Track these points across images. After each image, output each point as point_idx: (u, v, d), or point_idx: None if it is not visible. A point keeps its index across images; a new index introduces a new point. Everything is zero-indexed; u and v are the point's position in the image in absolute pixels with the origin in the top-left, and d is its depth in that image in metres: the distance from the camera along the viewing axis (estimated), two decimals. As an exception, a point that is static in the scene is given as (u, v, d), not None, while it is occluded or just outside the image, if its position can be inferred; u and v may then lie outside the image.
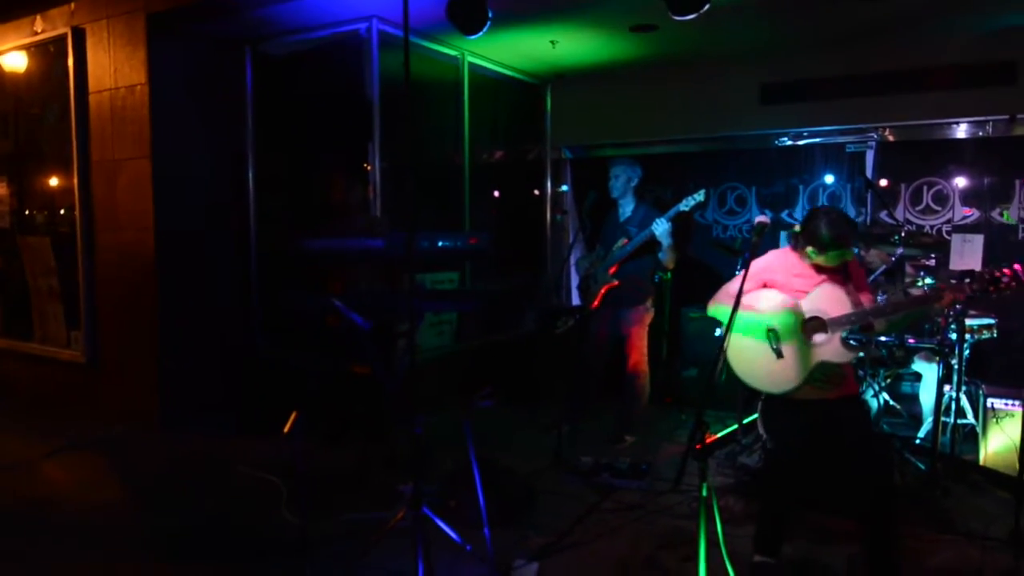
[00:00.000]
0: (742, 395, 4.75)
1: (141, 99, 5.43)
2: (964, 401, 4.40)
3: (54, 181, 6.28)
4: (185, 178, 5.58)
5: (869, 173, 5.89)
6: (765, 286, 3.16)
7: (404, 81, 3.00)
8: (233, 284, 5.90)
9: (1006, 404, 4.24)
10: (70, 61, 5.78)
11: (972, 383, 4.47)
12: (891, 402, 5.00)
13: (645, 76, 6.57)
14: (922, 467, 4.14)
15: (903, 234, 4.40)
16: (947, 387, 4.27)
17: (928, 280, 4.43)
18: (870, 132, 5.92)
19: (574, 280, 6.43)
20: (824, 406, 3.05)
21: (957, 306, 3.97)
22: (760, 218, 3.05)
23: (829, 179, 6.18)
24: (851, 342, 2.94)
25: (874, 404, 4.58)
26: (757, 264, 3.18)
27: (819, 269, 3.08)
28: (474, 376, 5.95)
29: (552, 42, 5.74)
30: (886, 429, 4.78)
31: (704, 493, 2.48)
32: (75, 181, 5.85)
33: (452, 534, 3.21)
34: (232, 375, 5.80)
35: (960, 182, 5.75)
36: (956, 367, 4.23)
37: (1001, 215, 5.59)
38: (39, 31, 6.04)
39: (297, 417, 3.27)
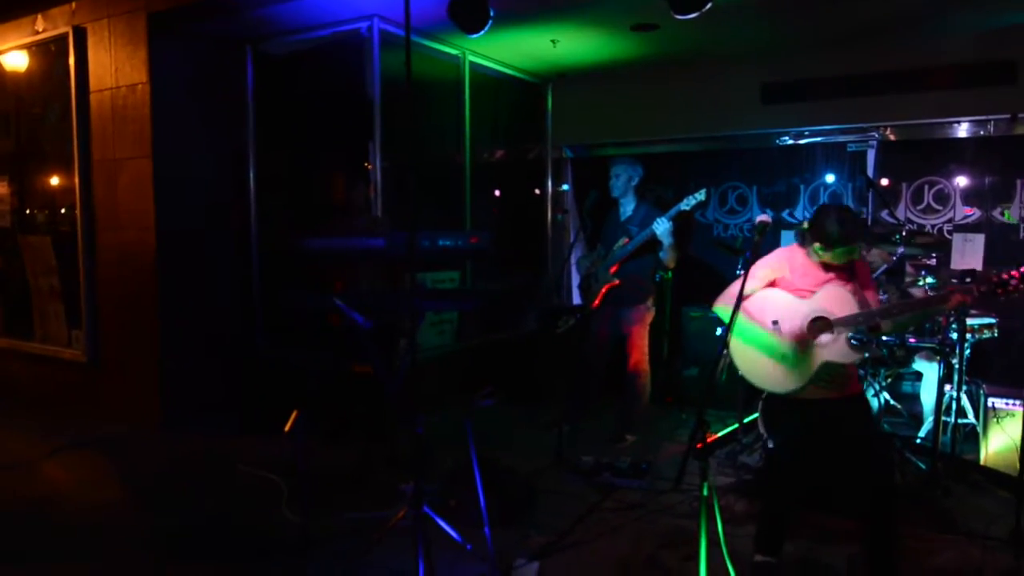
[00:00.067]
0: (742, 394, 4.75)
1: (142, 98, 5.44)
2: (965, 401, 4.40)
3: (55, 180, 6.29)
4: (186, 177, 5.58)
5: (870, 172, 5.89)
6: (773, 284, 3.15)
7: (406, 80, 3.00)
8: (234, 283, 5.90)
9: (1007, 404, 4.23)
10: (71, 60, 5.78)
11: (973, 382, 4.47)
12: (892, 401, 5.00)
13: (646, 75, 6.57)
14: (923, 467, 4.14)
15: (904, 233, 4.39)
16: (948, 386, 4.27)
17: (929, 279, 4.42)
18: (871, 131, 5.92)
19: (575, 279, 6.43)
20: (827, 406, 3.05)
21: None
22: (761, 217, 3.05)
23: (830, 178, 6.18)
24: (855, 342, 2.94)
25: (875, 403, 4.58)
26: (763, 262, 3.17)
27: (826, 268, 3.07)
28: (475, 375, 5.96)
29: (553, 41, 5.74)
30: (887, 428, 4.78)
31: (705, 492, 2.48)
32: (76, 180, 5.85)
33: (453, 533, 3.21)
34: (233, 374, 5.80)
35: (961, 181, 5.74)
36: (957, 366, 4.23)
37: (1002, 214, 5.58)
38: (40, 30, 6.04)
39: (298, 416, 3.27)
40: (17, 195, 6.62)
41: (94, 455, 5.08)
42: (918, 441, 4.48)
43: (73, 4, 5.82)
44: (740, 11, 4.80)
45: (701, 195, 4.73)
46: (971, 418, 4.44)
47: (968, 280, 2.92)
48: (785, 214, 6.38)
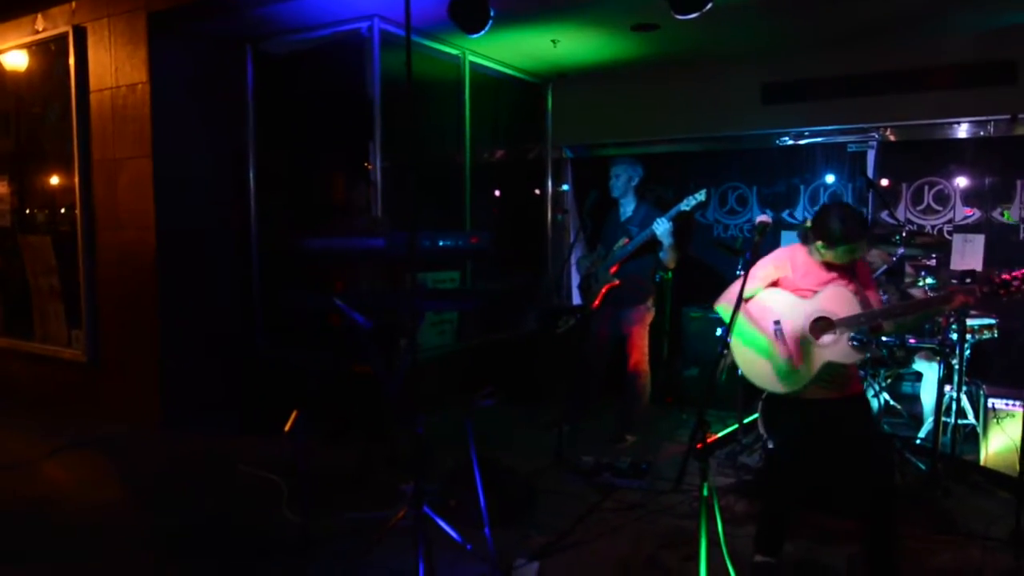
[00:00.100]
0: (742, 395, 4.75)
1: (142, 98, 5.43)
2: (965, 401, 4.40)
3: (55, 180, 6.29)
4: (186, 177, 5.58)
5: (870, 173, 5.89)
6: (775, 284, 3.15)
7: (406, 80, 3.00)
8: (234, 283, 5.90)
9: (1007, 404, 4.23)
10: (71, 60, 5.78)
11: (973, 383, 4.47)
12: (892, 402, 5.00)
13: (646, 76, 6.58)
14: (923, 467, 4.14)
15: (904, 234, 4.39)
16: (948, 387, 4.27)
17: (929, 280, 4.42)
18: (871, 132, 5.92)
19: (575, 279, 6.43)
20: (828, 405, 3.05)
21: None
22: (761, 218, 3.05)
23: (830, 179, 6.18)
24: (856, 343, 2.94)
25: (875, 404, 4.58)
26: (766, 261, 3.17)
27: (828, 267, 3.07)
28: (475, 375, 5.96)
29: (553, 41, 5.74)
30: (887, 429, 4.78)
31: (705, 492, 2.48)
32: (76, 180, 5.85)
33: (453, 533, 3.21)
34: (233, 374, 5.80)
35: (961, 182, 5.74)
36: (957, 367, 4.23)
37: (1002, 215, 5.59)
38: (40, 30, 6.04)
39: (298, 416, 3.27)
40: (17, 195, 6.62)
41: (94, 455, 5.08)
42: (918, 442, 4.48)
43: (73, 3, 5.82)
44: (740, 11, 4.80)
45: (701, 195, 4.73)
46: (971, 419, 4.44)
47: (968, 281, 2.92)
48: (785, 214, 6.38)
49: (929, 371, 4.64)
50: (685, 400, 5.92)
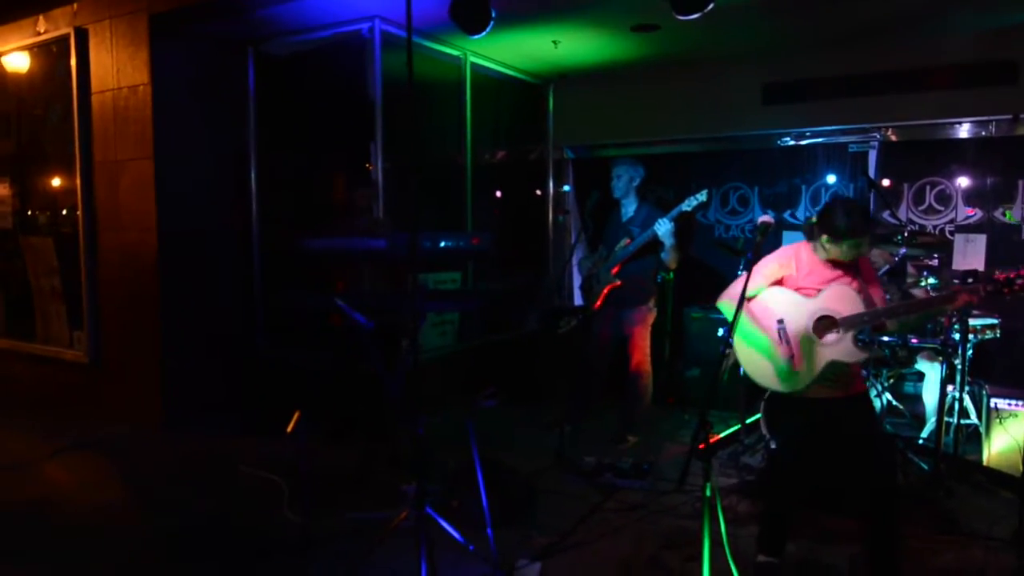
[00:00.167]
0: (745, 395, 4.75)
1: (144, 99, 5.44)
2: (967, 401, 4.39)
3: (57, 181, 6.29)
4: (187, 178, 5.58)
5: (872, 173, 5.88)
6: (779, 283, 3.14)
7: (407, 81, 3.00)
8: (235, 284, 5.90)
9: (1010, 404, 4.23)
10: (73, 61, 5.78)
11: (975, 383, 4.46)
12: (894, 402, 5.00)
13: (647, 76, 6.57)
14: (925, 467, 4.14)
15: (906, 234, 4.39)
16: (950, 387, 4.27)
17: (931, 280, 4.42)
18: (872, 132, 5.91)
19: (576, 280, 6.43)
20: (831, 405, 3.04)
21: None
22: (763, 218, 3.04)
23: (832, 179, 6.17)
24: (861, 342, 2.94)
25: (877, 404, 4.58)
26: (770, 258, 3.17)
27: (832, 265, 3.07)
28: (477, 376, 5.96)
29: (554, 42, 5.74)
30: (889, 429, 4.78)
31: (708, 493, 2.48)
32: (78, 181, 5.85)
33: (455, 534, 3.22)
34: (234, 375, 5.80)
35: (963, 182, 5.74)
36: (959, 367, 4.23)
37: (1004, 215, 5.58)
38: (42, 31, 6.05)
39: (300, 416, 3.27)
40: (19, 196, 6.62)
41: (95, 456, 5.08)
42: (920, 442, 4.47)
43: (75, 5, 5.82)
44: (741, 11, 4.80)
45: (702, 196, 4.73)
46: (974, 419, 4.44)
47: (970, 281, 2.91)
48: (787, 215, 6.37)
49: (932, 371, 4.64)
50: (687, 400, 5.91)
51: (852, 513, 3.45)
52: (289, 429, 3.27)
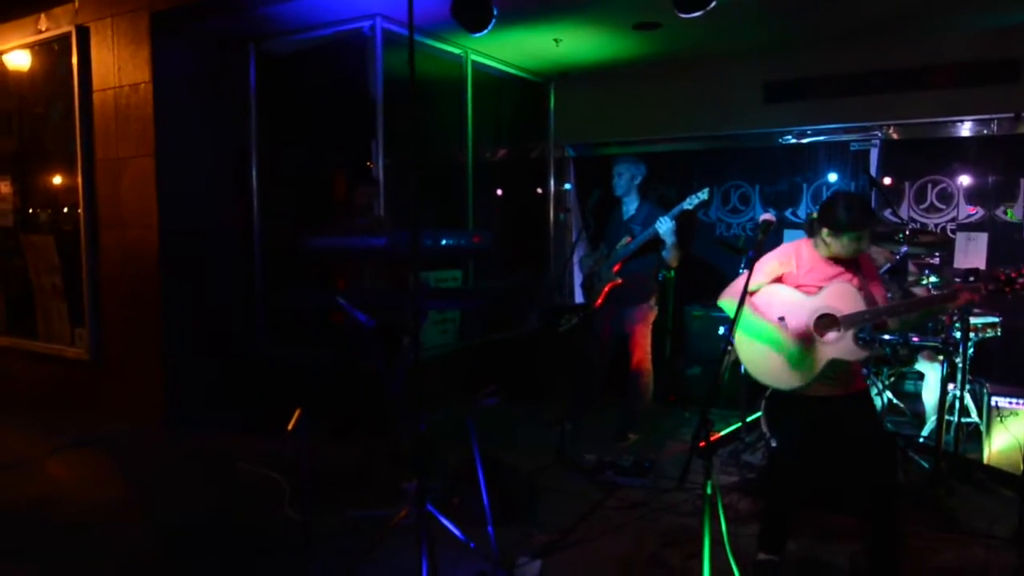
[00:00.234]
0: (745, 393, 4.75)
1: (145, 97, 5.44)
2: (968, 400, 4.39)
3: (58, 179, 6.30)
4: (189, 176, 5.59)
5: (873, 171, 5.88)
6: (779, 280, 3.14)
7: (408, 79, 2.99)
8: (237, 282, 5.90)
9: (1010, 403, 4.23)
10: (74, 59, 5.79)
11: (976, 381, 4.46)
12: (895, 400, 5.00)
13: (649, 74, 6.57)
14: (926, 466, 4.14)
15: (907, 232, 4.38)
16: (951, 385, 4.26)
17: (933, 279, 4.42)
18: (874, 130, 5.91)
19: (577, 278, 6.43)
20: (831, 402, 3.04)
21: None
22: (765, 216, 3.03)
23: (833, 177, 6.17)
24: (862, 340, 2.93)
25: (878, 402, 4.57)
26: (770, 256, 3.16)
27: (833, 263, 3.06)
28: (477, 374, 5.96)
29: (556, 40, 5.74)
30: (890, 427, 4.77)
31: (708, 491, 2.47)
32: (79, 179, 5.86)
33: (456, 531, 3.22)
34: (236, 372, 5.80)
35: (964, 180, 5.73)
36: (960, 365, 4.22)
37: (1005, 213, 5.57)
38: (43, 29, 6.05)
39: (301, 414, 3.27)
40: (20, 194, 6.63)
41: (96, 453, 5.09)
42: (921, 440, 4.47)
43: (76, 3, 5.82)
44: (743, 9, 4.79)
45: (704, 194, 4.72)
46: (974, 417, 4.44)
47: (972, 279, 2.91)
48: (788, 213, 6.37)
49: (932, 370, 4.63)
50: (688, 398, 5.91)
51: (853, 511, 3.45)
52: (290, 427, 3.27)
